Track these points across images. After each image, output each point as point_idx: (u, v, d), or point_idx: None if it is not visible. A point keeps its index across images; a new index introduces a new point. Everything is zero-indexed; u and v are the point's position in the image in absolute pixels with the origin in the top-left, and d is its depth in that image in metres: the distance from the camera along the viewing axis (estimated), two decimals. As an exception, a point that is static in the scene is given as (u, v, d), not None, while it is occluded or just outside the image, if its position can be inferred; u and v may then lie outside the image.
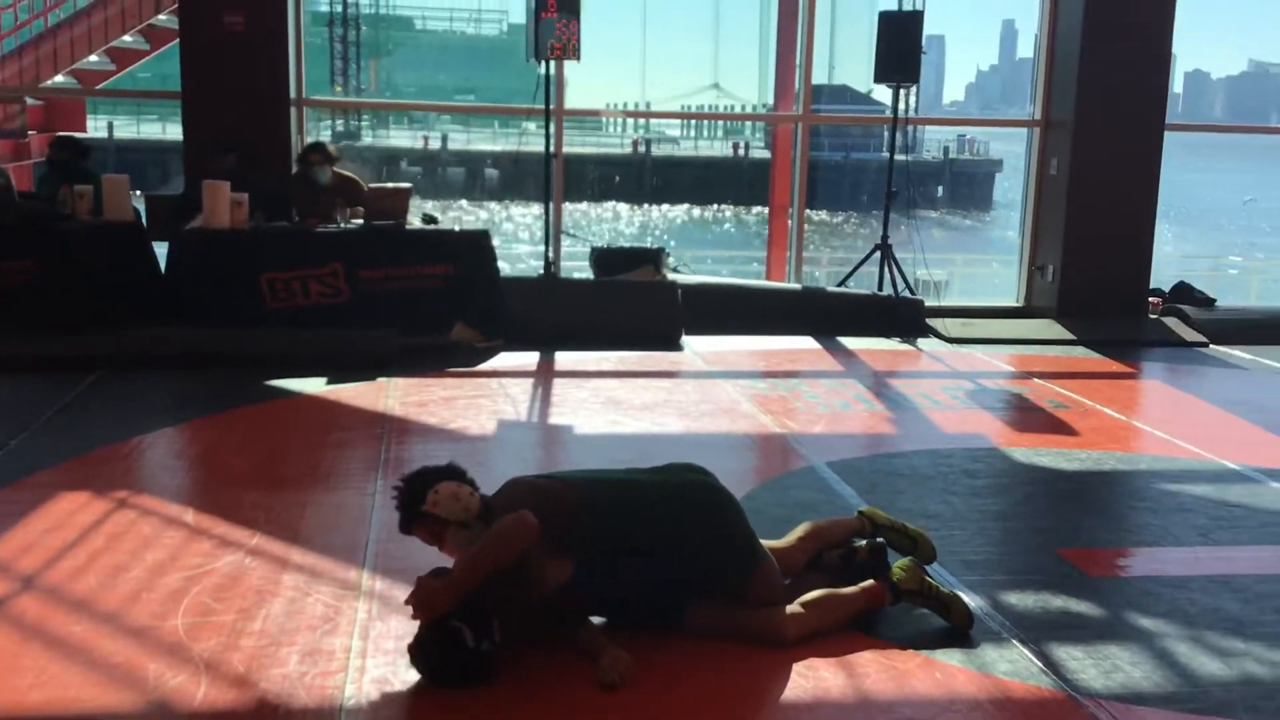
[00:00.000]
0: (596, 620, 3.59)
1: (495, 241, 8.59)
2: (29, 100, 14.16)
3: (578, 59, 8.62)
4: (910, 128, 10.67)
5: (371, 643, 3.54)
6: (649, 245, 9.72)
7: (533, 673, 3.38)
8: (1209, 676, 3.49)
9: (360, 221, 8.14)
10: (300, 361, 7.22)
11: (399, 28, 54.75)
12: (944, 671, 3.47)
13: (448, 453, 5.23)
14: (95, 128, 32.08)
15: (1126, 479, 5.56)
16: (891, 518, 4.17)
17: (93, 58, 13.62)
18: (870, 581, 3.77)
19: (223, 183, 7.91)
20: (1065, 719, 3.25)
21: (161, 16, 13.23)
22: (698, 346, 8.28)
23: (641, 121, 47.83)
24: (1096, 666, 3.52)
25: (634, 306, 8.59)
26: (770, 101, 13.40)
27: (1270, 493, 5.32)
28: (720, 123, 53.96)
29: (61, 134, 9.86)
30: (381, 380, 6.98)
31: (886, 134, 10.14)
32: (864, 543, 4.02)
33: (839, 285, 9.93)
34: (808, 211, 10.69)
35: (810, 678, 3.41)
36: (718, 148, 46.67)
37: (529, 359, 7.80)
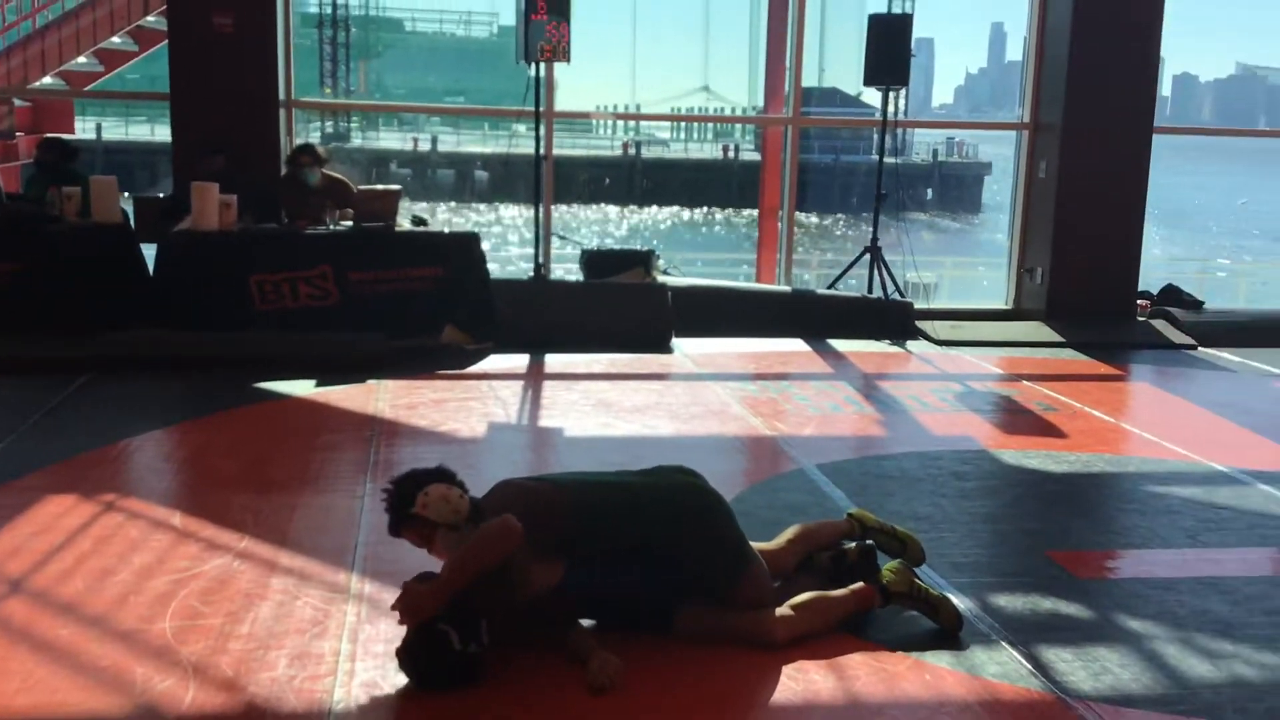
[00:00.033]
0: (586, 623, 3.59)
1: (485, 245, 8.58)
2: (17, 101, 14.13)
3: (568, 61, 8.62)
4: (899, 130, 10.69)
5: (361, 646, 3.53)
6: (639, 248, 9.72)
7: (522, 676, 3.37)
8: (1197, 678, 3.50)
9: (349, 223, 8.13)
10: (289, 364, 7.21)
11: (388, 29, 54.73)
12: (933, 673, 3.48)
13: (438, 455, 5.22)
14: (83, 129, 31.97)
15: (1115, 481, 5.58)
16: (880, 520, 4.17)
17: (81, 59, 13.58)
18: (860, 584, 3.77)
19: (211, 184, 7.89)
20: (1054, 721, 3.26)
21: (150, 18, 13.21)
22: (688, 349, 8.28)
23: (631, 124, 47.91)
24: (1086, 668, 3.53)
25: (624, 309, 8.59)
26: (760, 104, 13.40)
27: (1258, 495, 5.34)
28: (710, 125, 54.00)
29: (49, 135, 9.83)
30: (371, 382, 6.96)
31: (876, 137, 10.16)
32: (854, 545, 4.02)
33: (829, 288, 9.94)
34: (797, 214, 10.69)
35: (800, 680, 3.41)
36: (708, 150, 46.76)
37: (519, 361, 7.79)
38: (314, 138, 26.25)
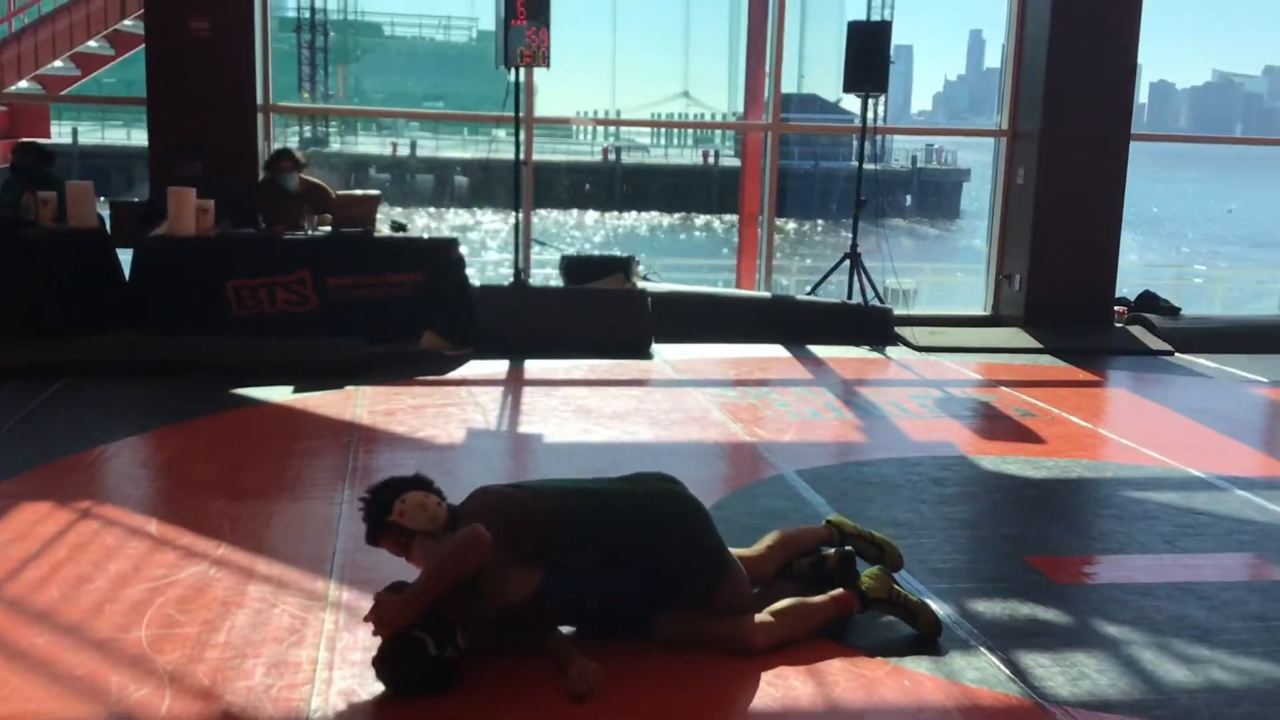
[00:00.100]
0: (566, 629, 3.58)
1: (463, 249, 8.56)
2: (-8, 106, 14.00)
3: (547, 66, 8.61)
4: (879, 137, 10.73)
5: (338, 654, 3.51)
6: (618, 253, 9.71)
7: (501, 682, 3.36)
8: (1175, 684, 3.51)
9: (328, 229, 8.10)
10: (267, 369, 7.17)
11: (367, 34, 54.58)
12: (912, 679, 3.48)
13: (416, 462, 5.20)
14: (59, 133, 31.77)
15: (1093, 486, 5.60)
16: (858, 526, 4.18)
17: (57, 63, 13.48)
18: (839, 590, 3.77)
19: (188, 189, 7.85)
20: (1033, 727, 3.27)
21: (127, 22, 13.12)
22: (668, 355, 8.28)
23: (612, 129, 47.90)
24: (1064, 674, 3.54)
25: (604, 315, 8.58)
26: (740, 110, 13.42)
27: (1235, 500, 5.37)
28: (690, 131, 54.10)
29: (25, 140, 9.75)
30: (349, 389, 6.93)
31: (855, 143, 10.19)
32: (833, 551, 4.02)
33: (809, 294, 9.96)
34: (777, 220, 10.71)
35: (779, 686, 3.41)
36: (688, 156, 46.78)
37: (498, 367, 7.77)
38: (292, 142, 26.17)
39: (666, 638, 3.57)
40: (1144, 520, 5.04)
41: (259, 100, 9.12)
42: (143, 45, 9.10)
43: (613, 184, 41.67)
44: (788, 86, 15.49)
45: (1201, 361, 8.82)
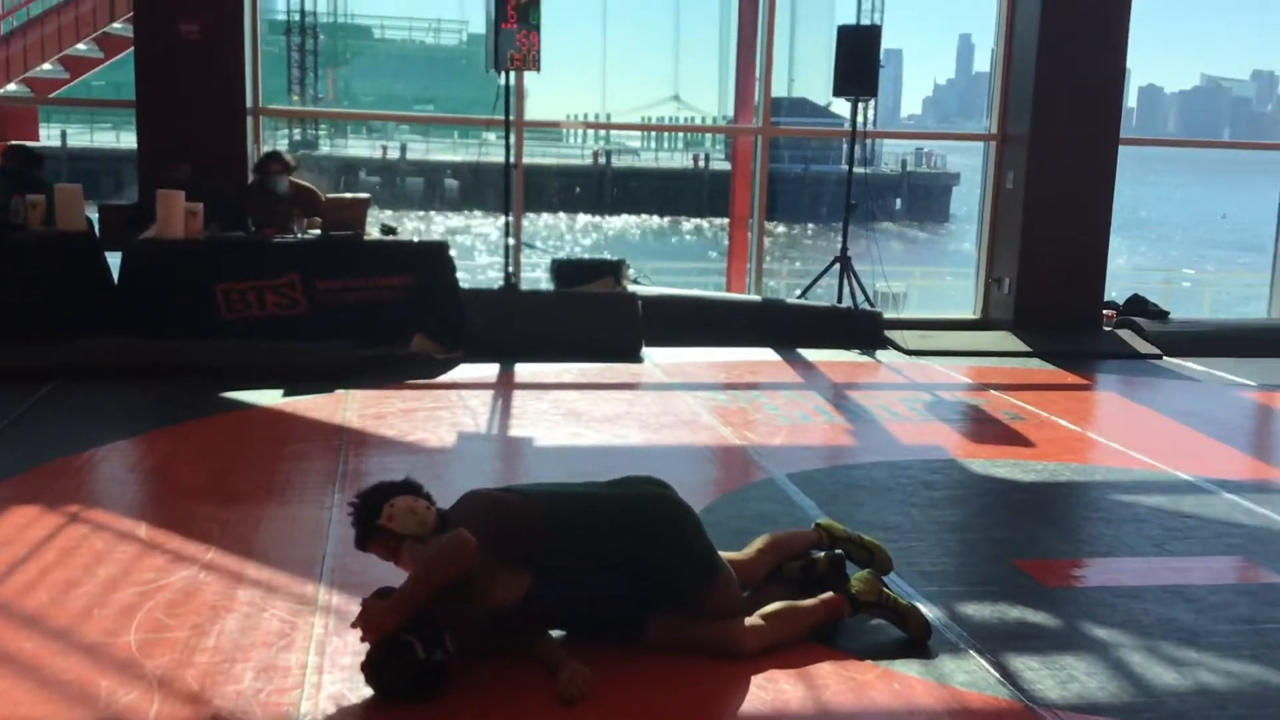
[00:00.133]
0: (556, 633, 3.58)
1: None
2: (-19, 108, 13.94)
3: (538, 70, 8.61)
4: (869, 141, 10.76)
5: (328, 659, 3.51)
6: (609, 257, 9.72)
7: (490, 687, 3.36)
8: (1164, 687, 3.52)
9: (317, 232, 8.08)
10: (256, 373, 7.16)
11: (357, 36, 54.54)
12: (902, 682, 3.49)
13: (406, 465, 5.20)
14: (48, 136, 31.71)
15: (1082, 490, 5.62)
16: (848, 529, 4.18)
17: (46, 66, 13.44)
18: (829, 593, 3.78)
19: (177, 192, 7.83)
20: (1022, 730, 3.28)
21: (116, 25, 13.09)
22: (658, 358, 8.29)
23: (602, 132, 47.94)
24: (1053, 677, 3.55)
25: (594, 318, 8.58)
26: (730, 114, 13.46)
27: (1223, 503, 5.39)
28: (680, 134, 54.12)
29: (14, 143, 9.73)
30: (339, 392, 6.93)
31: (845, 147, 10.21)
32: (823, 555, 4.03)
33: (799, 297, 9.97)
34: (767, 223, 10.72)
35: (769, 689, 3.41)
36: (678, 159, 46.83)
37: (489, 371, 7.77)
38: (282, 145, 26.11)
39: (656, 641, 3.57)
40: (1132, 523, 5.06)
41: (248, 103, 9.10)
42: (132, 48, 9.08)
43: (603, 187, 41.70)
44: (778, 90, 15.55)
45: (1190, 365, 8.85)
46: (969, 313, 10.50)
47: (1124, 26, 9.78)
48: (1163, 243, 41.33)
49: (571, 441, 6.12)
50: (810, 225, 40.12)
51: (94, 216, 8.40)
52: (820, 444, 6.30)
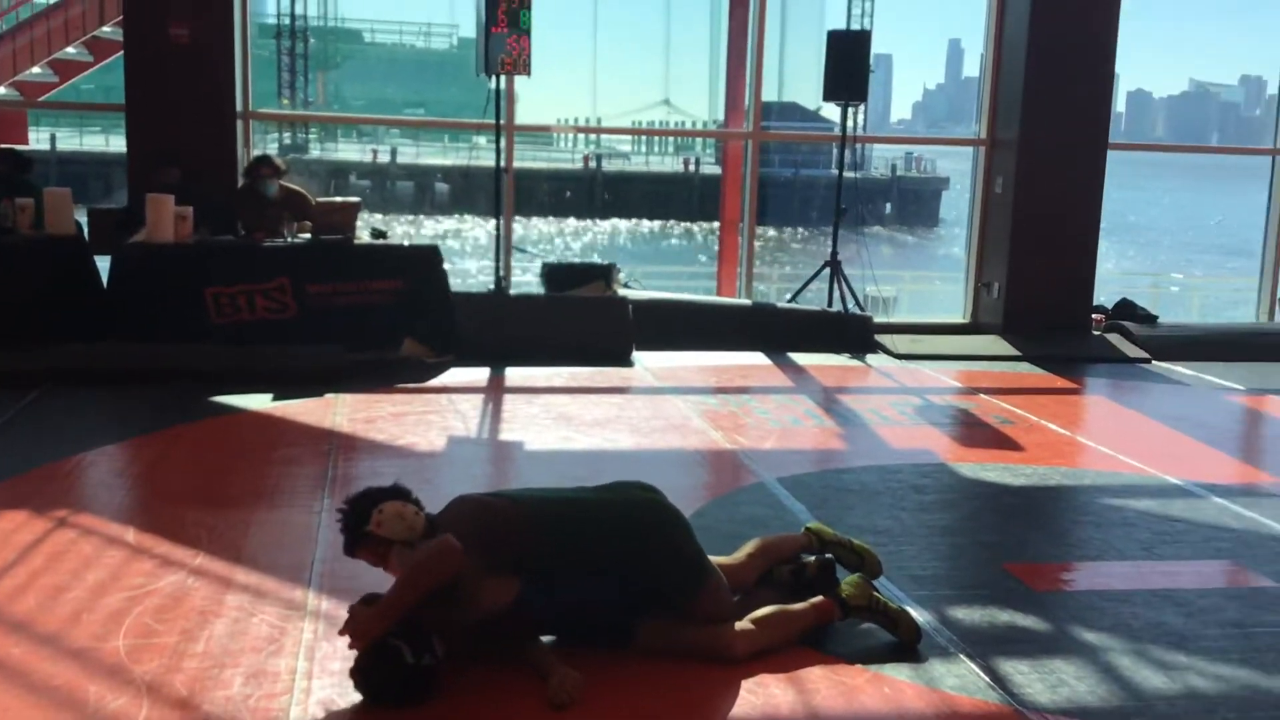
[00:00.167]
0: (545, 638, 3.58)
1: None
2: (-30, 112, 13.90)
3: (528, 74, 8.61)
4: (859, 145, 10.77)
5: (317, 664, 3.50)
6: (599, 261, 9.73)
7: (481, 692, 3.35)
8: (1153, 690, 3.53)
9: (308, 236, 8.07)
10: (246, 377, 7.14)
11: (347, 40, 54.51)
12: (892, 686, 3.49)
13: (396, 470, 5.20)
14: (37, 140, 31.64)
15: (1071, 494, 5.63)
16: (838, 533, 4.19)
17: (35, 69, 13.42)
18: (820, 597, 3.78)
19: (166, 196, 7.81)
20: (1012, 734, 3.28)
21: (106, 28, 13.07)
22: (649, 362, 8.29)
23: (593, 136, 47.99)
24: (1042, 681, 3.55)
25: (585, 322, 8.58)
26: (720, 118, 13.48)
27: (1212, 507, 5.40)
28: (671, 138, 54.18)
29: (2, 146, 9.70)
30: (329, 396, 6.91)
31: (835, 151, 10.23)
32: (813, 559, 4.03)
33: (789, 301, 9.98)
34: (758, 227, 10.74)
35: (760, 694, 3.41)
36: (668, 163, 46.90)
37: (479, 375, 7.76)
38: (272, 149, 26.10)
39: (647, 646, 3.57)
40: (1122, 527, 5.07)
41: (238, 107, 9.09)
42: (121, 52, 9.06)
43: (593, 191, 41.74)
44: (768, 95, 15.57)
45: (1178, 369, 8.88)
46: (959, 317, 10.53)
47: (1113, 32, 9.81)
48: (1151, 247, 41.49)
49: (562, 446, 6.12)
50: (800, 229, 40.17)
51: (83, 220, 8.39)
52: (810, 448, 6.30)
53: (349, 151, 43.76)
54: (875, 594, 3.80)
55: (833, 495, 5.39)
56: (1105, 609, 4.13)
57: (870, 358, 8.91)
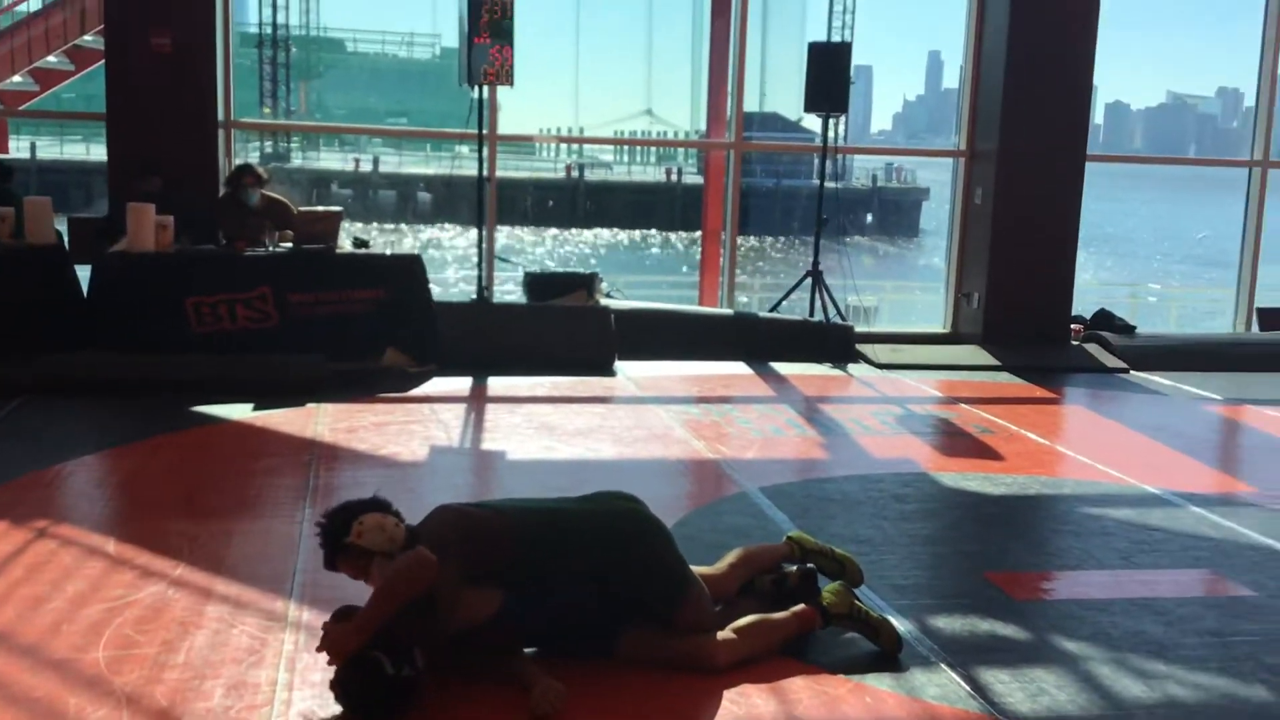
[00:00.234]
0: (528, 649, 3.58)
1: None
2: (-51, 120, 13.86)
3: (511, 84, 8.62)
4: (840, 156, 10.82)
5: (298, 675, 3.49)
6: (581, 270, 9.73)
7: (463, 704, 3.35)
8: (1132, 699, 3.55)
9: (289, 245, 8.06)
10: (227, 387, 7.12)
11: (330, 50, 54.41)
12: (874, 696, 3.50)
13: (378, 479, 5.19)
14: (18, 148, 31.50)
15: (1050, 503, 5.66)
16: (819, 542, 4.20)
17: (16, 78, 13.37)
18: (801, 606, 3.79)
19: (147, 205, 7.78)
20: (993, 742, 3.30)
21: (87, 37, 13.04)
22: (631, 372, 8.30)
23: (575, 146, 48.00)
24: (1023, 690, 3.57)
25: (567, 331, 8.59)
26: (702, 128, 13.51)
27: (1190, 517, 5.44)
28: (653, 148, 54.26)
29: (-18, 154, 9.67)
30: (311, 406, 6.90)
31: (817, 162, 10.27)
32: (795, 568, 4.04)
33: (771, 311, 10.01)
34: (739, 237, 10.77)
35: (742, 704, 3.42)
36: (651, 173, 46.94)
37: (461, 384, 7.76)
38: (253, 158, 26.04)
39: (629, 656, 3.57)
40: (1101, 536, 5.10)
41: (220, 116, 9.08)
42: (102, 61, 9.03)
43: (576, 201, 41.74)
44: (750, 105, 15.61)
45: (1156, 379, 8.93)
46: (939, 327, 10.58)
47: (1091, 44, 9.89)
48: (1129, 258, 41.72)
49: (544, 455, 6.12)
50: (780, 238, 40.26)
51: (63, 229, 8.34)
52: (792, 457, 6.32)
53: (331, 160, 43.62)
54: (857, 603, 3.82)
55: (814, 504, 5.41)
56: (1085, 618, 4.16)
57: (851, 367, 8.94)
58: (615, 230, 41.06)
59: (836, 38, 43.62)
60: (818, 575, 4.02)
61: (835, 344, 9.23)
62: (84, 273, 7.96)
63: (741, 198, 10.69)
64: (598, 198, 42.09)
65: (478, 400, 7.47)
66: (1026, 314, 9.82)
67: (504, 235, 34.73)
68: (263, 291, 7.82)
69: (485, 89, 8.81)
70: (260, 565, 4.38)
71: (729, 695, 3.45)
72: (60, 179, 31.39)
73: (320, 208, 8.76)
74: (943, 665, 3.71)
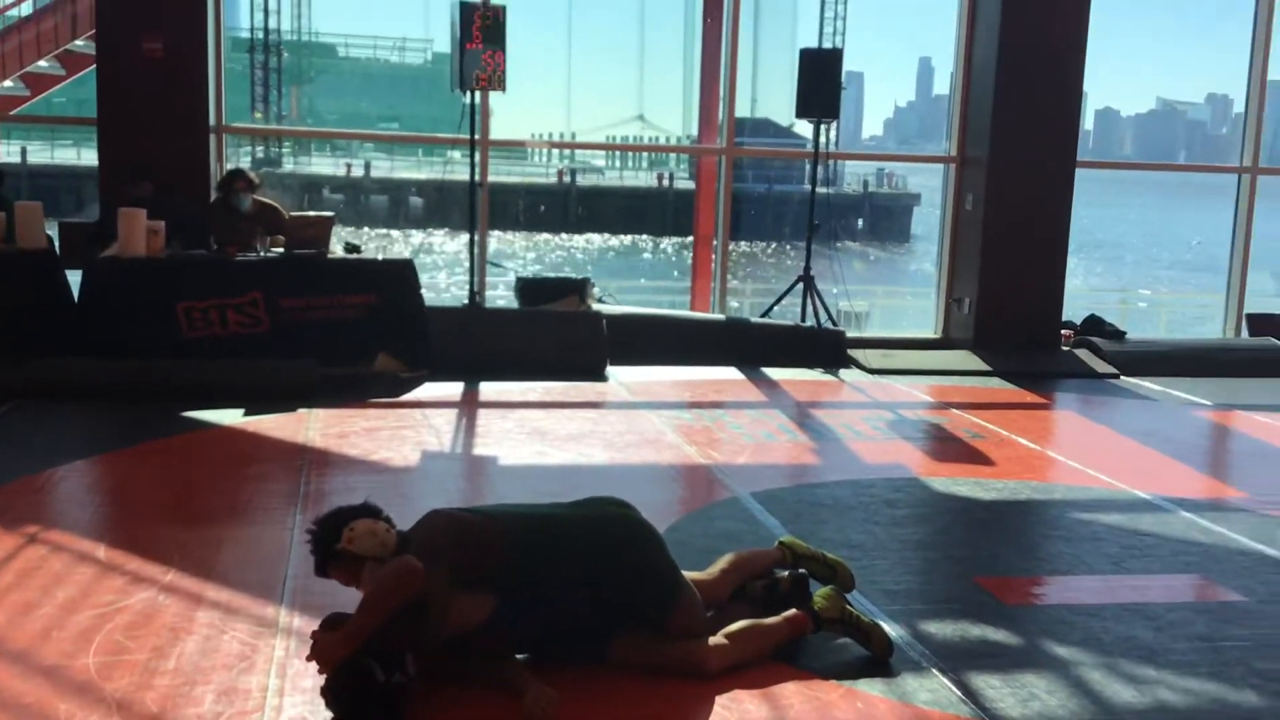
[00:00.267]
0: (520, 655, 3.57)
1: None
2: (-61, 124, 13.82)
3: (503, 90, 8.63)
4: (831, 161, 10.84)
5: (289, 681, 3.49)
6: (573, 275, 9.74)
7: (455, 710, 3.35)
8: (1123, 704, 3.56)
9: (281, 250, 8.05)
10: (218, 392, 7.11)
11: (321, 54, 54.32)
12: (865, 701, 3.51)
13: (370, 485, 5.19)
14: (8, 153, 31.40)
15: (1041, 508, 5.67)
16: (811, 547, 4.20)
17: (7, 83, 13.33)
18: (793, 610, 3.79)
19: (138, 210, 7.78)
20: (984, 747, 3.30)
21: (79, 42, 13.00)
22: (623, 377, 8.30)
23: (567, 151, 48.03)
24: (1014, 695, 3.58)
25: (559, 337, 8.59)
26: (694, 133, 13.52)
27: (1180, 522, 5.45)
28: (645, 154, 54.31)
29: (-28, 159, 9.65)
30: (302, 411, 6.89)
31: (808, 167, 10.29)
32: (786, 573, 4.05)
33: (762, 316, 10.02)
34: (731, 242, 10.77)
35: (733, 709, 3.42)
36: (643, 178, 46.94)
37: (453, 389, 7.75)
38: (245, 163, 25.98)
39: (621, 662, 3.57)
40: (1091, 541, 5.11)
41: (211, 121, 9.06)
42: (94, 65, 9.02)
43: (567, 206, 41.74)
44: (742, 111, 15.65)
45: (1147, 384, 8.96)
46: (930, 332, 10.59)
47: (1081, 50, 9.92)
48: (1119, 264, 41.85)
49: (536, 460, 6.12)
50: (772, 243, 40.30)
51: (54, 234, 8.33)
52: (784, 463, 6.32)
53: (322, 165, 43.56)
54: (848, 607, 3.82)
55: (806, 510, 5.41)
56: (1075, 623, 4.17)
57: (843, 372, 8.95)
58: (607, 235, 41.07)
59: (828, 44, 43.76)
60: (809, 580, 4.02)
61: (827, 349, 9.24)
62: (75, 277, 7.94)
63: (733, 203, 10.69)
64: (589, 203, 42.10)
65: (469, 405, 7.46)
66: (1017, 319, 9.84)
67: (496, 240, 34.75)
68: (254, 296, 7.81)
69: (477, 94, 8.82)
70: (251, 571, 4.37)
71: (721, 700, 3.45)
72: (51, 184, 31.34)
73: (312, 213, 8.76)
74: (934, 670, 3.72)
